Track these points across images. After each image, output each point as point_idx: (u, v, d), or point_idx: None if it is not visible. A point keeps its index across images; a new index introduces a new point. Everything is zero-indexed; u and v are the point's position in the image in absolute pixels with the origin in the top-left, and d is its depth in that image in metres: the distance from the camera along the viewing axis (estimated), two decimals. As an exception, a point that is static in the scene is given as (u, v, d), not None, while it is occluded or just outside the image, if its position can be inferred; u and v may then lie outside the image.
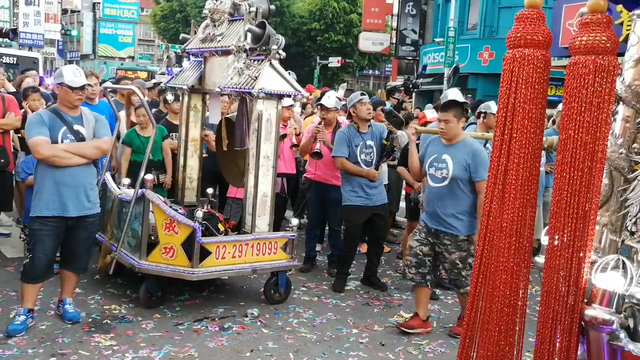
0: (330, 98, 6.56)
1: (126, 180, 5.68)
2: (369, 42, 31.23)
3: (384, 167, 6.89)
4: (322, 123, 6.51)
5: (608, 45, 1.79)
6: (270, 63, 5.04)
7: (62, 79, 4.38)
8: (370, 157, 5.91)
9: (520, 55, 1.91)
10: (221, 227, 5.26)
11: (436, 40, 22.77)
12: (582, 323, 1.89)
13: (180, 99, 6.00)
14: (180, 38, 6.34)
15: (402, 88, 8.51)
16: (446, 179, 4.74)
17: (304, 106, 9.05)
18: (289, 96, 5.30)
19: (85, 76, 4.56)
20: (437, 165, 4.81)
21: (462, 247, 4.75)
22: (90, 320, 4.77)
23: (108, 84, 6.53)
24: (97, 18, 55.65)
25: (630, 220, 1.97)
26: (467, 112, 5.70)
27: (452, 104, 4.82)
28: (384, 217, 6.23)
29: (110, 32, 55.24)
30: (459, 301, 5.14)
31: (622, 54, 2.00)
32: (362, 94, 6.07)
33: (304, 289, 5.97)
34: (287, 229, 5.52)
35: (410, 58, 28.22)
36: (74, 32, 50.94)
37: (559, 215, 1.87)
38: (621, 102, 1.98)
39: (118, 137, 6.12)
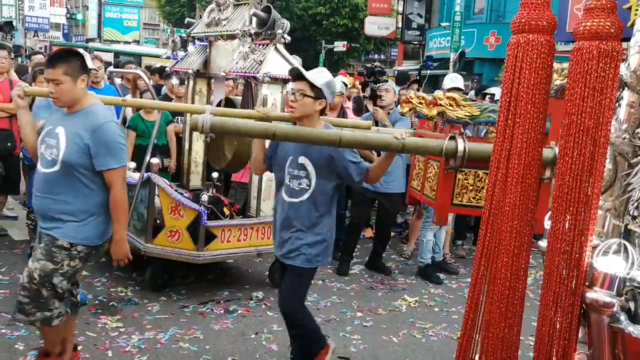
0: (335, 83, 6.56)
1: (131, 164, 5.70)
2: (375, 26, 31.00)
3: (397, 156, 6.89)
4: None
5: (612, 30, 1.80)
6: (276, 47, 5.05)
7: (68, 63, 4.38)
8: None
9: (525, 40, 1.92)
10: (226, 211, 5.27)
11: (442, 24, 22.60)
12: (584, 305, 1.92)
13: (186, 83, 6.01)
14: (185, 22, 6.33)
15: (368, 74, 8.33)
16: (56, 162, 3.20)
17: None
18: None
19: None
20: (48, 142, 3.26)
21: (55, 256, 3.21)
22: (97, 302, 4.83)
23: (113, 68, 6.54)
24: (102, 2, 55.42)
25: (633, 204, 1.99)
26: (86, 67, 3.38)
27: (60, 56, 3.22)
28: (390, 206, 6.20)
29: (115, 16, 55.07)
30: (42, 335, 3.46)
31: (628, 39, 2.00)
32: (384, 81, 6.08)
33: (308, 272, 6.00)
34: (292, 213, 5.54)
35: (416, 42, 28.07)
36: (79, 16, 50.87)
37: (561, 200, 1.88)
38: (626, 88, 1.99)
39: (124, 122, 6.14)
